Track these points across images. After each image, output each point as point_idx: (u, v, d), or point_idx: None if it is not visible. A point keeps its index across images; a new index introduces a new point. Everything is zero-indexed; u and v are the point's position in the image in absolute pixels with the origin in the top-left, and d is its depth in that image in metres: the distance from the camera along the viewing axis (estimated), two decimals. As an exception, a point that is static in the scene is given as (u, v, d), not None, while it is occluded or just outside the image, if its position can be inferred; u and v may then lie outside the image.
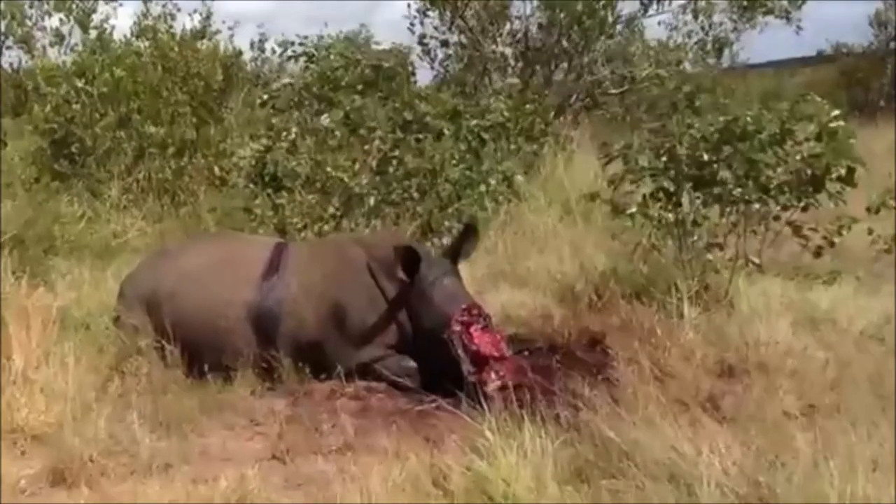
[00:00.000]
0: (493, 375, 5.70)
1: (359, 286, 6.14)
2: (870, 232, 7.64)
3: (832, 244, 7.14)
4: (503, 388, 5.64)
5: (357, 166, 8.60)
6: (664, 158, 7.00)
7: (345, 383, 5.89)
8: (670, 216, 7.04)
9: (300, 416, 5.51)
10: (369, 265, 6.17)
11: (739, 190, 6.80)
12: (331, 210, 8.27)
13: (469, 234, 6.28)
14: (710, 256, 7.10)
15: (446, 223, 9.18)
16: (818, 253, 7.27)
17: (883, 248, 7.74)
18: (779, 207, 7.13)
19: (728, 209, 7.17)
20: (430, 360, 5.98)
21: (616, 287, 7.21)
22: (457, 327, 5.82)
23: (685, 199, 7.16)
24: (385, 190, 8.89)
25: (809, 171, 6.96)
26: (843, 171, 6.97)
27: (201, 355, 5.86)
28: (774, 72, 24.31)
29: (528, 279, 8.00)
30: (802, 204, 7.10)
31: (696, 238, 7.12)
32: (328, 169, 8.38)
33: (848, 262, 8.28)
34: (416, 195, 9.02)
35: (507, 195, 9.71)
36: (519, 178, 9.93)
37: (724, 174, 6.99)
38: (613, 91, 14.72)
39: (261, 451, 5.12)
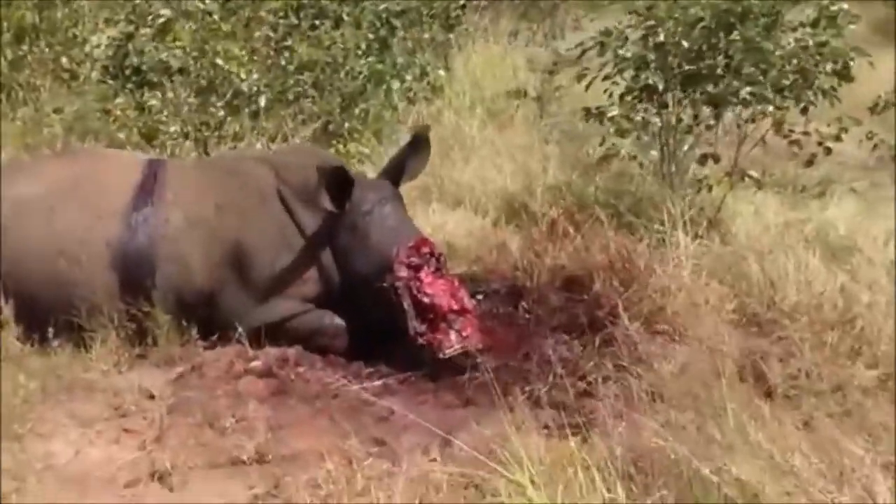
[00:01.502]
0: (451, 336, 4.25)
1: (266, 219, 4.57)
2: (869, 136, 6.29)
3: (828, 151, 5.76)
4: (465, 353, 4.15)
5: (245, 57, 6.79)
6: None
7: (250, 350, 4.26)
8: (657, 120, 5.56)
9: (188, 403, 3.90)
10: (280, 191, 4.59)
11: (749, 89, 5.34)
12: (218, 113, 6.48)
13: (418, 147, 4.72)
14: (706, 171, 5.67)
15: (347, 125, 7.58)
16: (811, 161, 5.91)
17: (892, 155, 6.42)
18: (772, 109, 5.71)
19: (722, 111, 5.73)
20: (366, 316, 4.51)
21: (575, 207, 5.76)
22: (402, 272, 4.31)
23: (670, 99, 5.69)
24: (280, 87, 7.12)
25: (796, 62, 5.54)
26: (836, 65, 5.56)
27: (44, 314, 4.37)
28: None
29: (462, 195, 6.45)
30: (802, 105, 5.69)
31: (687, 147, 5.67)
32: (217, 61, 6.56)
33: (838, 172, 7.04)
34: (312, 93, 7.50)
35: (424, 93, 7.95)
36: (441, 73, 8.26)
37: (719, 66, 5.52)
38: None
39: (133, 465, 3.53)
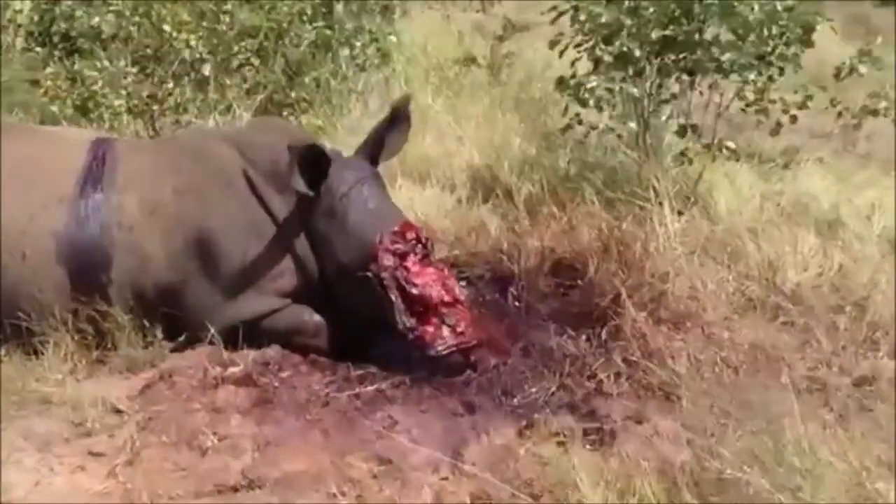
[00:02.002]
0: (444, 331, 3.90)
1: (232, 204, 4.13)
2: (834, 103, 6.08)
3: (794, 119, 5.51)
4: (462, 350, 3.80)
5: (193, 23, 6.28)
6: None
7: (224, 353, 3.85)
8: (635, 91, 5.24)
9: (160, 419, 3.48)
10: (247, 173, 4.16)
11: (728, 55, 5.05)
12: (166, 85, 5.97)
13: (397, 121, 4.32)
14: (684, 143, 5.37)
15: (294, 95, 7.10)
16: (776, 130, 5.66)
17: (851, 123, 6.21)
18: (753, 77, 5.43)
19: (698, 80, 5.44)
20: (348, 310, 4.14)
21: (550, 182, 5.44)
22: (387, 260, 3.94)
23: (647, 67, 5.37)
24: (225, 54, 6.63)
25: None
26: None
27: (-15, 316, 3.88)
28: None
29: (428, 171, 6.04)
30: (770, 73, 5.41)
31: (665, 118, 5.37)
32: (164, 27, 6.02)
33: (800, 141, 6.83)
34: (255, 61, 7.07)
35: (373, 61, 7.52)
36: (392, 38, 7.82)
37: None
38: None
39: (103, 497, 3.13)
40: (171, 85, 6.06)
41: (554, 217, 4.88)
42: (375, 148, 4.25)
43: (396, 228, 3.98)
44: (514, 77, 8.52)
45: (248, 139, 4.28)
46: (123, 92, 5.81)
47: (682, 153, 5.28)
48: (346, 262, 4.00)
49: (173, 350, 4.00)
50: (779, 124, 5.55)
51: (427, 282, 3.93)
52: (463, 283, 4.55)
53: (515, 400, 3.61)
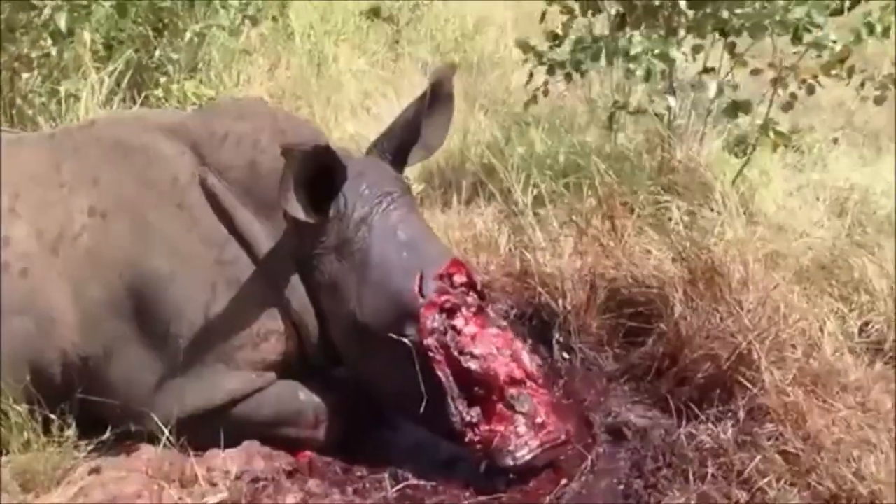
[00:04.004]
0: (520, 426, 2.62)
1: (183, 232, 2.75)
2: (849, 72, 5.10)
3: (812, 90, 4.50)
4: (545, 460, 2.65)
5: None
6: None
7: (187, 462, 2.50)
8: (678, 54, 4.09)
9: None
10: (207, 184, 2.79)
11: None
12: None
13: (439, 102, 2.95)
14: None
15: (160, 53, 5.55)
16: (790, 104, 4.65)
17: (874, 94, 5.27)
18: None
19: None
20: (367, 389, 2.83)
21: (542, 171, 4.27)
22: (432, 320, 2.63)
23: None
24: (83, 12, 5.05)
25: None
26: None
27: None
28: None
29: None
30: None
31: (714, 93, 4.23)
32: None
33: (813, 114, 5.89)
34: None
35: (266, 13, 6.20)
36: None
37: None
38: None
39: None
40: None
41: (596, 229, 3.65)
42: (405, 143, 2.93)
43: (442, 270, 2.69)
44: (420, 33, 7.29)
45: (209, 130, 2.85)
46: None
47: (741, 140, 4.14)
48: (366, 322, 2.68)
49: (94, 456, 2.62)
50: (793, 96, 4.51)
51: (489, 350, 2.67)
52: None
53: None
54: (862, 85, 4.75)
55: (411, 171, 3.75)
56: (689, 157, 4.18)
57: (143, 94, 5.12)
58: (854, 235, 3.95)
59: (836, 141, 5.56)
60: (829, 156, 5.24)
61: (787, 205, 4.34)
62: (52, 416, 2.65)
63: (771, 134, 4.37)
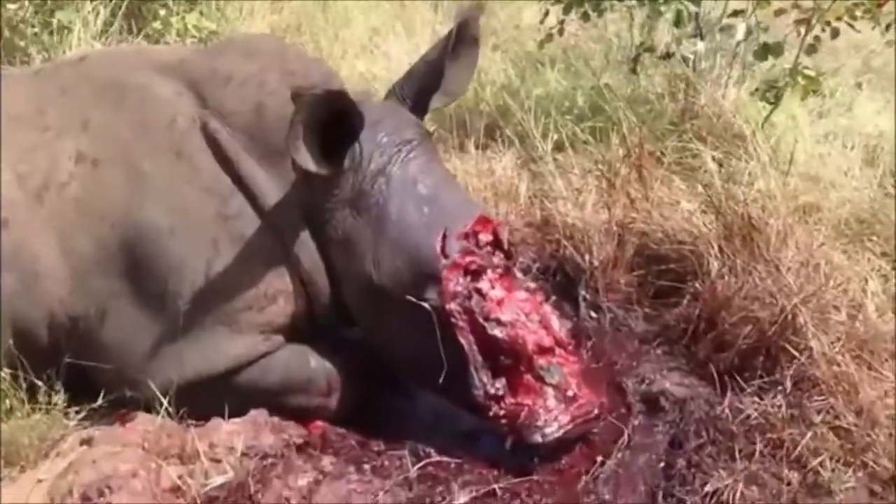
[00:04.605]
0: (549, 399, 2.41)
1: (183, 181, 2.49)
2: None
3: (836, 34, 4.26)
4: (576, 435, 2.44)
5: None
6: None
7: (188, 435, 2.29)
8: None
9: None
10: (208, 128, 2.53)
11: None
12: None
13: (463, 43, 2.69)
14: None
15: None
16: (813, 47, 4.39)
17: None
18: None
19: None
20: (386, 353, 2.61)
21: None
22: (455, 283, 2.38)
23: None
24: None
25: None
26: None
27: None
28: None
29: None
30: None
31: (742, 36, 3.97)
32: None
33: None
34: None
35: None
36: None
37: None
38: None
39: None
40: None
41: (623, 179, 3.40)
42: (426, 88, 2.67)
43: (467, 228, 2.45)
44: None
45: (212, 69, 2.59)
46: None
47: (772, 85, 3.88)
48: (383, 284, 2.45)
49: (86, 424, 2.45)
50: (817, 39, 4.24)
51: (517, 316, 2.43)
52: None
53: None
54: (887, 28, 4.50)
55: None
56: (714, 102, 3.93)
57: (140, 27, 4.83)
58: (886, 186, 3.74)
59: (859, 86, 5.31)
60: (853, 101, 5.00)
61: (816, 152, 4.11)
62: (38, 382, 2.43)
63: (800, 79, 4.13)
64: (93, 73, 2.64)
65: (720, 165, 3.50)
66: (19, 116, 2.51)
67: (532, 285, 2.64)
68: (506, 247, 2.53)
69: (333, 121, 2.33)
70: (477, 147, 4.03)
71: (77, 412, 2.51)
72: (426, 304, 2.39)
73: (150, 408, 2.43)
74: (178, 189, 2.46)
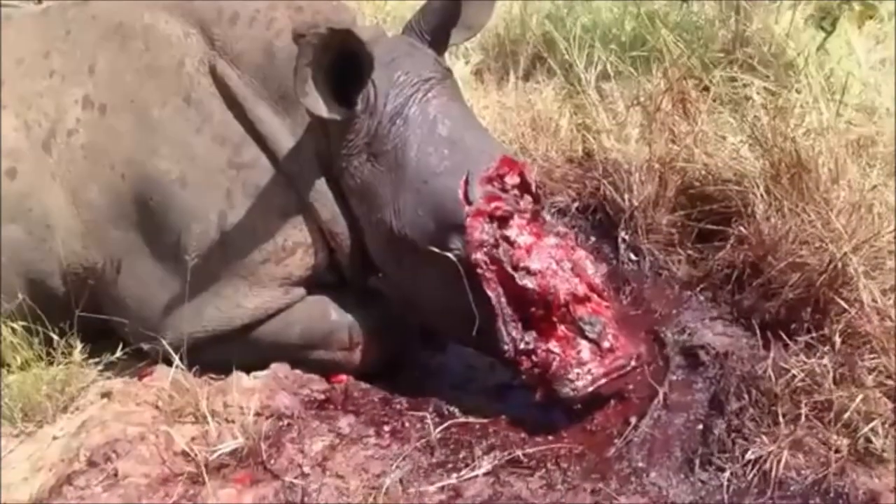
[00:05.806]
0: (583, 352, 2.28)
1: (193, 128, 2.36)
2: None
3: None
4: (611, 390, 2.33)
5: None
6: None
7: (201, 391, 2.22)
8: None
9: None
10: (217, 71, 2.39)
11: None
12: None
13: None
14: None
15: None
16: None
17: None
18: None
19: None
20: (411, 305, 2.49)
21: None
22: (481, 231, 2.26)
23: None
24: None
25: None
26: None
27: None
28: None
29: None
30: None
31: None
32: None
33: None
34: None
35: None
36: None
37: None
38: None
39: None
40: None
41: (664, 112, 3.21)
42: (445, 22, 2.49)
43: (491, 171, 2.30)
44: None
45: (217, 7, 2.44)
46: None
47: (826, 11, 3.64)
48: (405, 234, 2.32)
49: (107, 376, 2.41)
50: None
51: (548, 264, 2.29)
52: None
53: (726, 474, 2.09)
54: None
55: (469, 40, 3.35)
56: (767, 28, 3.69)
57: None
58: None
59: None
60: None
61: (871, 81, 3.86)
62: (54, 336, 2.37)
63: (856, 4, 3.88)
64: (98, 13, 2.51)
65: (771, 94, 3.29)
66: (23, 60, 2.41)
67: (563, 230, 2.48)
68: (534, 189, 2.38)
69: (342, 61, 2.19)
70: (518, 77, 3.86)
71: (97, 363, 2.46)
72: (451, 255, 2.27)
73: (169, 361, 2.36)
74: (188, 138, 2.34)
